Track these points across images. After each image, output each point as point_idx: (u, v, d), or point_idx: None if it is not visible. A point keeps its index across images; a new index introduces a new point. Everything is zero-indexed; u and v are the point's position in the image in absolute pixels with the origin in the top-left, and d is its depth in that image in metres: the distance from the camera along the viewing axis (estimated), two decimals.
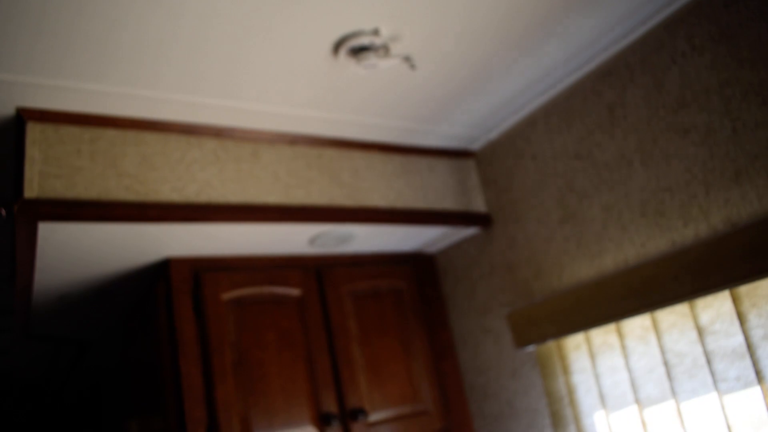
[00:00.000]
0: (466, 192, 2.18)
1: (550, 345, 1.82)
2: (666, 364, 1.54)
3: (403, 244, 2.26)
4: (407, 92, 1.77)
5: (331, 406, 1.94)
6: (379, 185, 1.97)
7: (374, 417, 2.01)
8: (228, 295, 1.90)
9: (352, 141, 1.96)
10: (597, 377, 1.70)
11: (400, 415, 2.07)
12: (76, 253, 1.71)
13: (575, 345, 1.75)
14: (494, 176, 2.17)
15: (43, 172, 1.49)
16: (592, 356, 1.71)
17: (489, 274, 2.18)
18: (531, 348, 1.90)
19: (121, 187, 1.56)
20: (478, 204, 2.19)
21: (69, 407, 5.66)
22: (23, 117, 1.51)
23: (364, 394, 2.02)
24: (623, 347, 1.64)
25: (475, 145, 2.23)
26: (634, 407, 1.61)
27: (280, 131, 1.83)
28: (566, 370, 1.76)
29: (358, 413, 1.93)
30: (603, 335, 1.70)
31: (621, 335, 1.65)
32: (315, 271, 2.10)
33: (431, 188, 2.10)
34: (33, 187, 1.47)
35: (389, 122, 1.92)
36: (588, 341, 1.73)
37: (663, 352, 1.54)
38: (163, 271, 1.91)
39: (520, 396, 2.05)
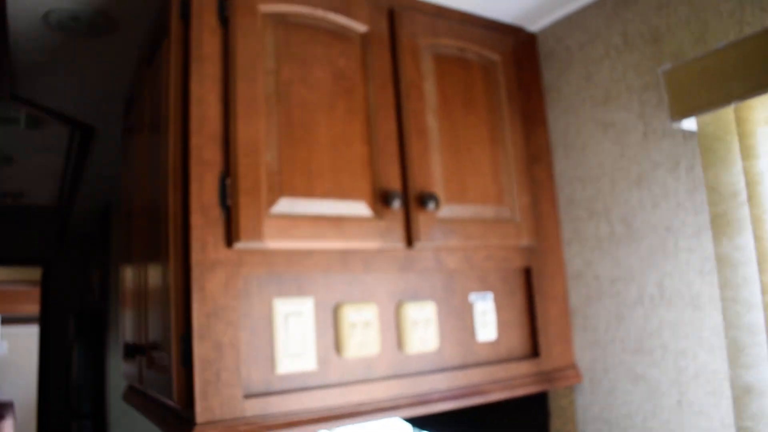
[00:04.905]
0: None
1: (726, 119, 1.24)
2: None
3: (501, 6, 1.66)
4: None
5: (392, 181, 1.41)
6: None
7: (447, 212, 1.48)
8: (268, 8, 1.34)
9: None
10: None
11: (479, 218, 1.54)
12: None
13: None
14: None
15: None
16: None
17: (620, 47, 1.58)
18: (689, 124, 1.32)
19: None
20: None
21: (78, 237, 5.30)
22: None
23: (436, 178, 1.49)
24: None
25: None
26: None
27: None
28: (748, 154, 1.19)
29: (427, 199, 1.41)
30: None
31: None
32: (388, 10, 1.52)
33: None
34: None
35: None
36: None
37: None
38: None
39: (646, 211, 1.51)
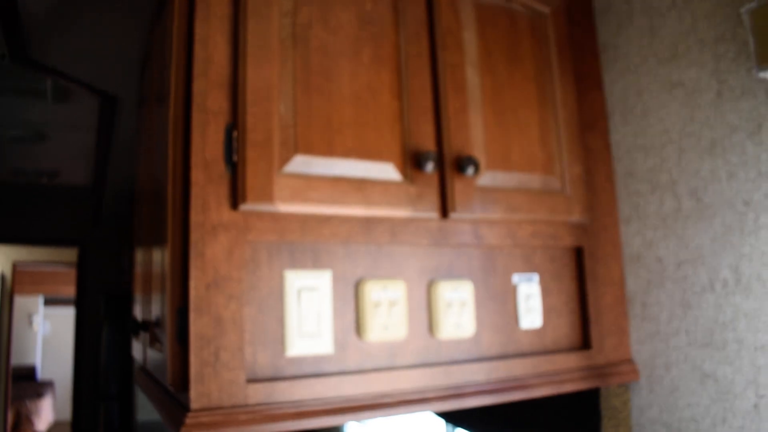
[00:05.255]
0: None
1: None
2: None
3: None
4: None
5: (425, 141, 1.23)
6: None
7: (488, 179, 1.30)
8: None
9: None
10: None
11: (525, 188, 1.35)
12: None
13: None
14: None
15: None
16: None
17: None
18: None
19: None
20: None
21: (108, 217, 5.26)
22: None
23: (476, 140, 1.30)
24: None
25: None
26: None
27: None
28: None
29: (465, 163, 1.22)
30: None
31: None
32: None
33: None
34: None
35: None
36: None
37: None
38: None
39: (720, 183, 1.29)
